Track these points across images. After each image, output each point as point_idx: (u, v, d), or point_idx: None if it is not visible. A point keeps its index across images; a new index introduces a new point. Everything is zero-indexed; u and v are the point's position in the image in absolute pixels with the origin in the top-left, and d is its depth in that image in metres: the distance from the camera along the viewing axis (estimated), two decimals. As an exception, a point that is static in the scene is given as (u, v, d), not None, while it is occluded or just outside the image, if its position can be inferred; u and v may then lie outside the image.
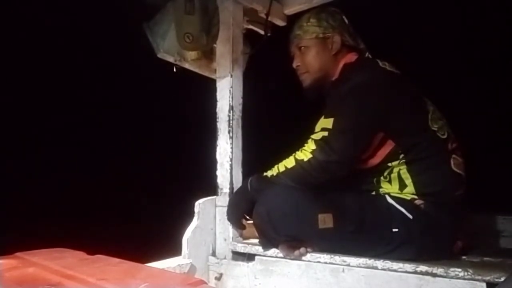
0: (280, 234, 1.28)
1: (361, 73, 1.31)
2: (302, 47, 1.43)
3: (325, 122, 1.25)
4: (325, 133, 1.23)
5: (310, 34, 1.41)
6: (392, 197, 1.23)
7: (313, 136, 1.26)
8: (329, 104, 1.33)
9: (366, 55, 1.45)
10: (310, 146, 1.25)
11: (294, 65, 1.47)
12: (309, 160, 1.23)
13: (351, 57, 1.40)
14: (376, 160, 1.27)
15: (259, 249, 1.37)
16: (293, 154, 1.29)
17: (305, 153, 1.25)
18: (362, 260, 1.15)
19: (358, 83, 1.27)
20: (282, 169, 1.29)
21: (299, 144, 1.30)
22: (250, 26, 1.70)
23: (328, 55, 1.40)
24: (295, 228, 1.26)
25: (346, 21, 1.44)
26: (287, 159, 1.30)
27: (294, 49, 1.47)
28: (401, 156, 1.23)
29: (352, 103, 1.25)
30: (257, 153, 1.75)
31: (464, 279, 1.00)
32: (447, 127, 1.29)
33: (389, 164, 1.24)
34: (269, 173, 1.33)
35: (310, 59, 1.42)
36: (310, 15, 1.44)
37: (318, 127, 1.27)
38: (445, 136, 1.26)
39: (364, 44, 1.46)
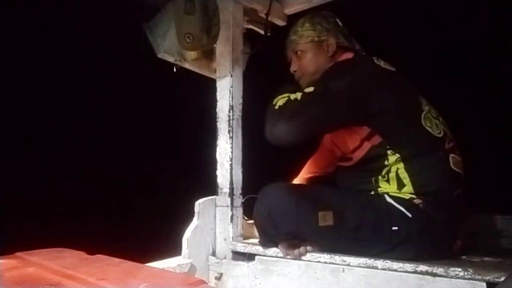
0: (280, 232, 1.28)
1: (353, 68, 1.33)
2: (299, 52, 1.46)
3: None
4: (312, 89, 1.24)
5: (305, 38, 1.43)
6: (391, 197, 1.23)
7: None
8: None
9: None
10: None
11: (292, 69, 1.49)
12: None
13: (347, 56, 1.41)
14: (361, 152, 1.28)
15: (259, 249, 1.37)
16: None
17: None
18: (362, 260, 1.15)
19: (346, 72, 1.30)
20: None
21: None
22: (250, 26, 1.71)
23: (324, 57, 1.42)
24: (295, 225, 1.26)
25: (340, 23, 1.47)
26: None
27: (291, 54, 1.49)
28: (390, 151, 1.23)
29: (340, 80, 1.26)
30: (257, 153, 1.75)
31: (464, 278, 1.00)
32: (443, 126, 1.29)
33: (386, 163, 1.24)
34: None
35: (306, 63, 1.44)
36: (305, 20, 1.47)
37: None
38: (441, 135, 1.26)
39: (359, 45, 1.47)
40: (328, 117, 1.25)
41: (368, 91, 1.24)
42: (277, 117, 1.22)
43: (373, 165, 1.27)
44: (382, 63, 1.34)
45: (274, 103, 1.27)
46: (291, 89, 1.35)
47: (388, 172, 1.25)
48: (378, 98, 1.24)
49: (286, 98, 1.26)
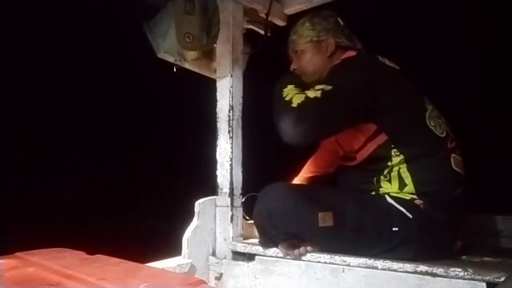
0: (280, 232, 1.28)
1: (363, 64, 1.33)
2: (298, 51, 1.46)
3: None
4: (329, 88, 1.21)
5: (305, 38, 1.44)
6: (392, 197, 1.23)
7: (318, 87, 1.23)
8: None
9: None
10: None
11: (292, 68, 1.50)
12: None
13: (350, 53, 1.41)
14: (366, 152, 1.27)
15: (259, 249, 1.37)
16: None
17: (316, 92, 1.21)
18: (362, 260, 1.15)
19: (354, 66, 1.30)
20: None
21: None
22: (250, 26, 1.71)
23: (322, 57, 1.43)
24: (295, 226, 1.26)
25: (341, 22, 1.46)
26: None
27: (291, 53, 1.50)
28: (394, 150, 1.22)
29: (348, 75, 1.25)
30: (257, 153, 1.75)
31: (464, 279, 1.00)
32: (445, 126, 1.29)
33: (389, 164, 1.24)
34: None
35: (305, 62, 1.45)
36: (305, 20, 1.47)
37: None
38: (443, 135, 1.26)
39: (361, 44, 1.47)
40: (348, 116, 1.23)
41: (378, 86, 1.24)
42: (297, 116, 1.16)
43: (376, 165, 1.27)
44: (387, 61, 1.35)
45: (287, 99, 1.21)
46: (296, 79, 1.34)
47: (390, 171, 1.24)
48: (387, 94, 1.24)
49: (304, 95, 1.20)
